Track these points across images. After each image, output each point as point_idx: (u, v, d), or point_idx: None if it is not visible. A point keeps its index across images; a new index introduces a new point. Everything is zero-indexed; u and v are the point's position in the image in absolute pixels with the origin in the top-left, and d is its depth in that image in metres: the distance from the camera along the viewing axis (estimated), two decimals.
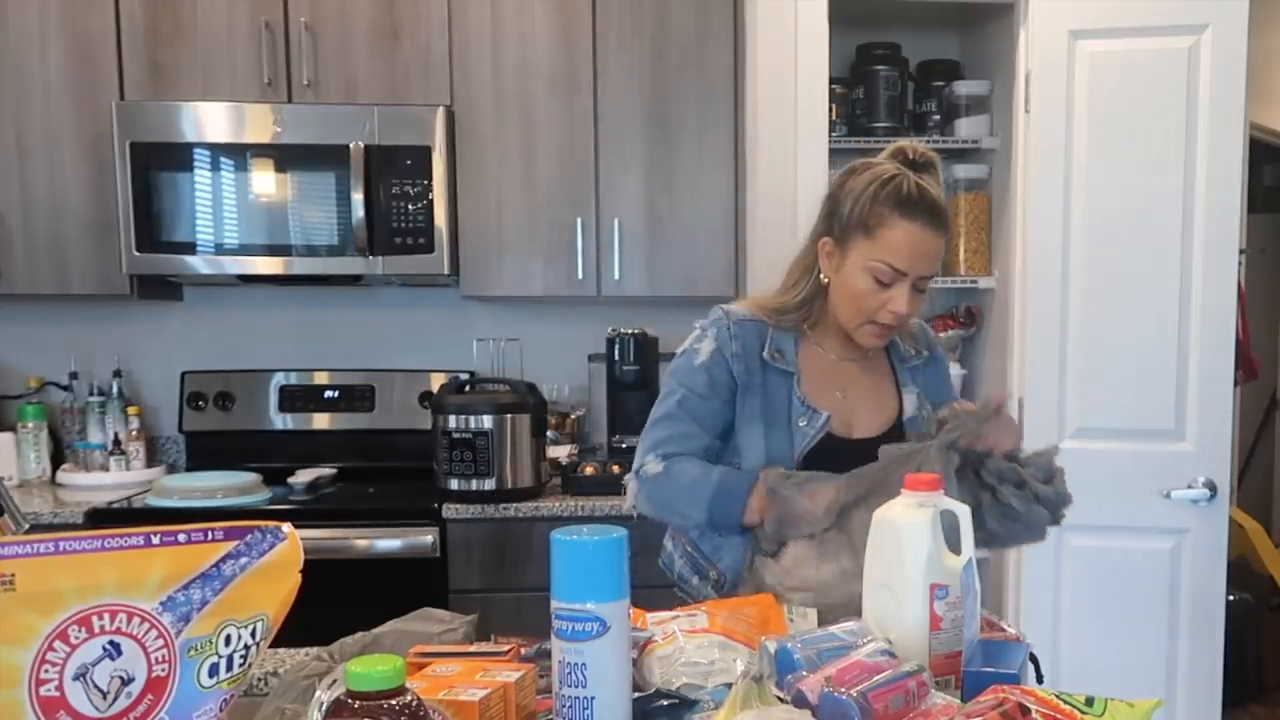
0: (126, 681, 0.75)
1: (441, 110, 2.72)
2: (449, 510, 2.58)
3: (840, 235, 1.58)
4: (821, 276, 1.62)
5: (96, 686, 0.75)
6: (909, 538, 1.12)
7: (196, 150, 2.69)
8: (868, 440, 1.59)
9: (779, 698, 0.95)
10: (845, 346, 1.66)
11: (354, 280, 2.86)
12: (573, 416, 3.08)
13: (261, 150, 2.70)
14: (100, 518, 2.54)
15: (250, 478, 2.74)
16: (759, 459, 1.58)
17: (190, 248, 2.71)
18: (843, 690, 0.93)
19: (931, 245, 1.54)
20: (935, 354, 1.75)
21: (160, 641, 0.76)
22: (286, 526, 0.80)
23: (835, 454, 1.57)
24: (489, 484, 2.61)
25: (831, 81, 2.76)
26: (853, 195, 1.56)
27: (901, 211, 1.52)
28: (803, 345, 1.65)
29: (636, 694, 1.00)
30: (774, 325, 1.63)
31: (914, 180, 1.53)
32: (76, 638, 0.74)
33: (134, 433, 2.95)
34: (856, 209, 1.55)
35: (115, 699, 0.75)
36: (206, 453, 3.03)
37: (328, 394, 3.06)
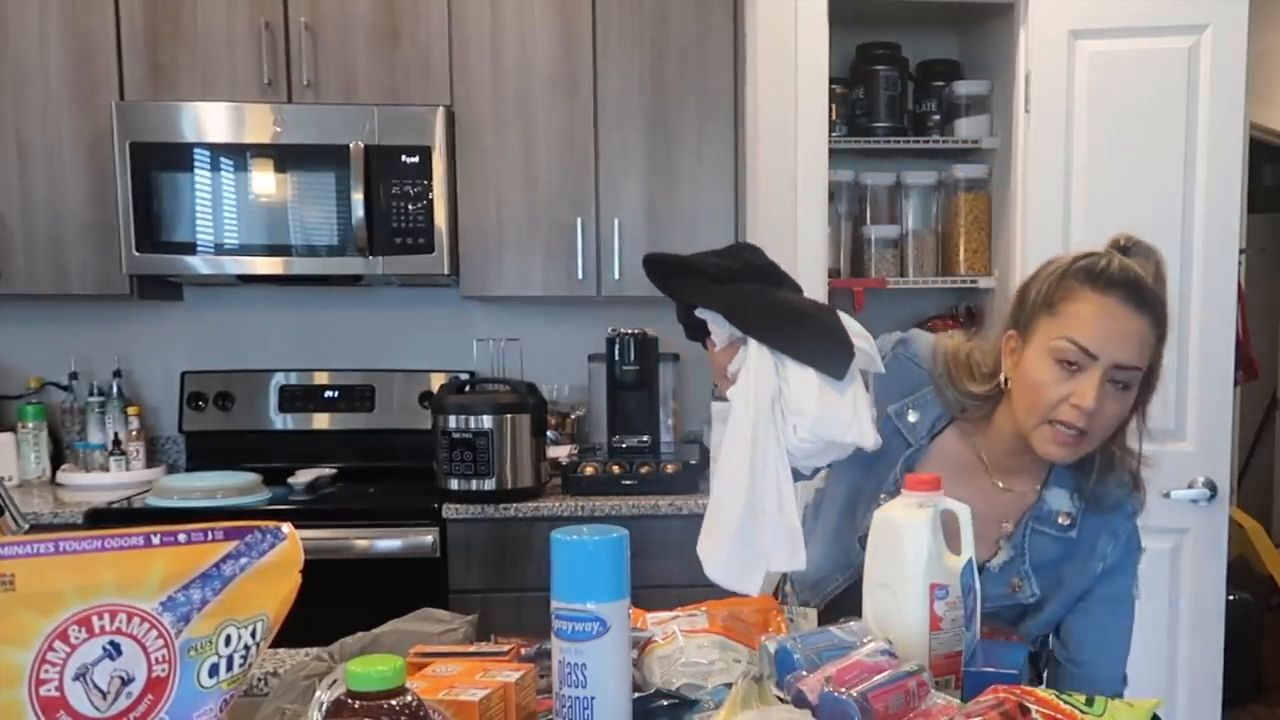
0: (126, 681, 0.75)
1: (441, 110, 2.72)
2: (449, 510, 2.58)
3: (1025, 323, 1.32)
4: (1003, 377, 1.35)
5: (96, 686, 0.74)
6: (909, 538, 1.12)
7: (196, 150, 2.69)
8: None
9: (779, 698, 0.95)
10: (1004, 458, 1.39)
11: (354, 280, 2.86)
12: (573, 416, 3.08)
13: (261, 150, 2.70)
14: (100, 518, 2.54)
15: (250, 478, 2.74)
16: (842, 493, 1.41)
17: (190, 248, 2.71)
18: (843, 690, 0.93)
19: (1131, 325, 1.25)
20: (1091, 545, 1.37)
21: (160, 641, 0.76)
22: (286, 526, 0.80)
23: None
24: (489, 484, 2.61)
25: (831, 81, 2.76)
26: (1041, 277, 1.33)
27: (1093, 285, 1.27)
28: (950, 430, 1.41)
29: (636, 694, 1.00)
30: (937, 385, 1.40)
31: (1118, 258, 1.29)
32: (76, 638, 0.74)
33: (134, 433, 2.95)
34: (1044, 289, 1.31)
35: (115, 699, 0.75)
36: (206, 453, 3.03)
37: (328, 394, 3.06)
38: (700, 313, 1.17)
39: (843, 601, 1.35)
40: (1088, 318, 1.26)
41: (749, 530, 1.10)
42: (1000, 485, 1.40)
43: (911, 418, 1.40)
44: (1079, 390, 1.25)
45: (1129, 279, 1.27)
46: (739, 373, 1.14)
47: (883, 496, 1.36)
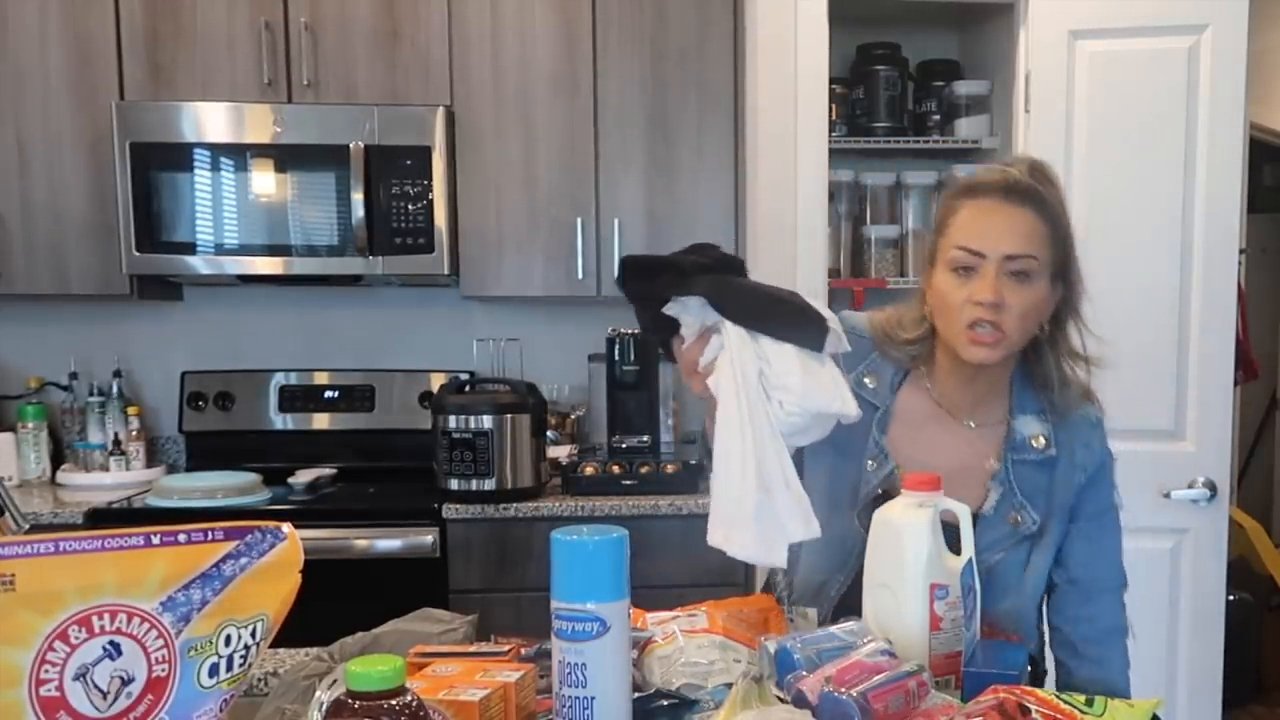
0: (126, 681, 0.75)
1: (441, 110, 2.72)
2: (449, 510, 2.58)
3: (930, 255, 1.41)
4: (926, 308, 1.42)
5: (96, 686, 0.75)
6: (909, 538, 1.13)
7: (196, 150, 2.69)
8: None
9: (779, 698, 0.95)
10: (960, 396, 1.44)
11: (354, 280, 2.86)
12: (573, 416, 3.08)
13: (261, 150, 2.70)
14: (100, 518, 2.54)
15: (250, 478, 2.74)
16: (823, 485, 1.41)
17: (190, 248, 2.71)
18: (843, 690, 0.93)
19: (1010, 218, 1.33)
20: (1067, 456, 1.44)
21: (160, 641, 0.76)
22: (286, 526, 0.80)
23: None
24: (489, 484, 2.61)
25: (831, 81, 2.76)
26: (934, 214, 1.43)
27: (968, 194, 1.37)
28: (907, 384, 1.46)
29: (636, 694, 1.00)
30: (881, 350, 1.46)
31: (991, 167, 1.40)
32: (76, 638, 0.74)
33: (134, 433, 2.95)
34: (935, 219, 1.42)
35: (115, 699, 0.75)
36: (206, 453, 3.03)
37: (328, 394, 3.06)
38: (671, 308, 1.19)
39: (846, 604, 1.35)
40: (968, 222, 1.35)
41: (765, 506, 1.12)
42: (971, 425, 1.45)
43: (870, 383, 1.45)
44: (978, 287, 1.32)
45: (999, 180, 1.35)
46: (716, 361, 1.17)
47: (869, 463, 1.41)
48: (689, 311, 1.18)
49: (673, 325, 1.20)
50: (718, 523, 1.15)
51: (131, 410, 2.98)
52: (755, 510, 1.12)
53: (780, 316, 1.17)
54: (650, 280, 1.19)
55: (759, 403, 1.14)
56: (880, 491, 1.39)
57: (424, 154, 2.71)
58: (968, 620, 1.13)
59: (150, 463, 3.00)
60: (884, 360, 1.46)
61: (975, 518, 1.35)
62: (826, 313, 1.18)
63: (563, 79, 2.81)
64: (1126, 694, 1.37)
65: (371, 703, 0.75)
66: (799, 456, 1.33)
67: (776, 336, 1.16)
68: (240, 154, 2.70)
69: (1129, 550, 2.62)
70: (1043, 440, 1.43)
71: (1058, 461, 1.43)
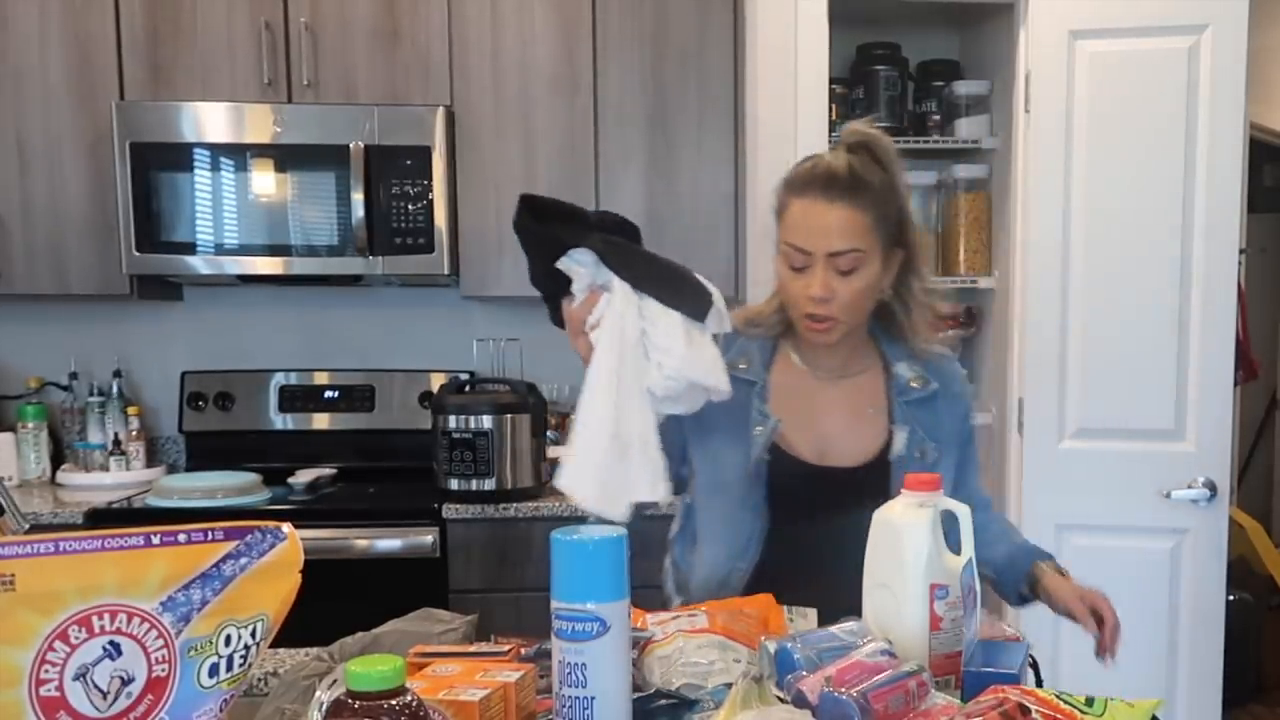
0: (126, 681, 0.75)
1: (441, 110, 2.72)
2: (449, 510, 2.58)
3: (776, 240, 1.50)
4: (777, 286, 1.52)
5: (96, 686, 0.75)
6: (909, 538, 1.13)
7: (196, 150, 2.69)
8: (846, 470, 1.49)
9: (779, 698, 0.95)
10: (828, 358, 1.54)
11: (354, 280, 2.86)
12: (573, 417, 3.08)
13: (261, 150, 2.70)
14: (100, 518, 2.54)
15: (250, 478, 2.74)
16: (714, 473, 1.50)
17: (190, 248, 2.71)
18: (843, 690, 0.93)
19: (831, 217, 1.40)
20: (946, 388, 1.54)
21: (160, 641, 0.76)
22: (286, 526, 0.80)
23: (806, 482, 1.48)
24: (489, 484, 2.61)
25: (831, 81, 2.76)
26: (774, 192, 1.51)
27: (793, 190, 1.44)
28: (777, 356, 1.54)
29: (636, 694, 1.00)
30: (745, 334, 1.53)
31: (818, 158, 1.46)
32: (76, 638, 0.74)
33: (134, 433, 2.95)
34: (773, 202, 1.49)
35: (115, 699, 0.75)
36: (206, 453, 3.03)
37: (328, 394, 3.06)
38: (564, 263, 1.23)
39: (756, 589, 1.40)
40: (796, 221, 1.43)
41: (615, 461, 1.17)
42: (842, 379, 1.54)
43: (743, 365, 1.51)
44: (809, 283, 1.42)
45: (821, 177, 1.42)
46: (601, 319, 1.21)
47: (755, 430, 1.47)
48: (582, 266, 1.22)
49: (562, 283, 1.25)
50: (568, 469, 1.20)
51: (131, 410, 2.98)
52: (605, 462, 1.17)
53: (671, 283, 1.22)
54: (547, 223, 1.23)
55: (635, 361, 1.19)
56: (769, 456, 1.47)
57: (424, 154, 2.71)
58: (968, 620, 1.13)
59: (150, 463, 3.00)
60: (751, 342, 1.54)
61: (888, 462, 1.48)
62: (713, 290, 1.23)
63: (563, 79, 2.81)
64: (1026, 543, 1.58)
65: (371, 703, 0.75)
66: (682, 442, 1.48)
67: (665, 302, 1.21)
68: (240, 154, 2.70)
69: (1129, 550, 2.63)
70: (920, 381, 1.53)
71: (939, 395, 1.54)
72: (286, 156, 2.70)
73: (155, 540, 0.76)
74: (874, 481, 1.44)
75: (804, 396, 1.52)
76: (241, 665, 0.79)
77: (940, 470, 1.46)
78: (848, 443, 1.51)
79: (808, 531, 1.45)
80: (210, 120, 2.69)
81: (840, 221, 1.40)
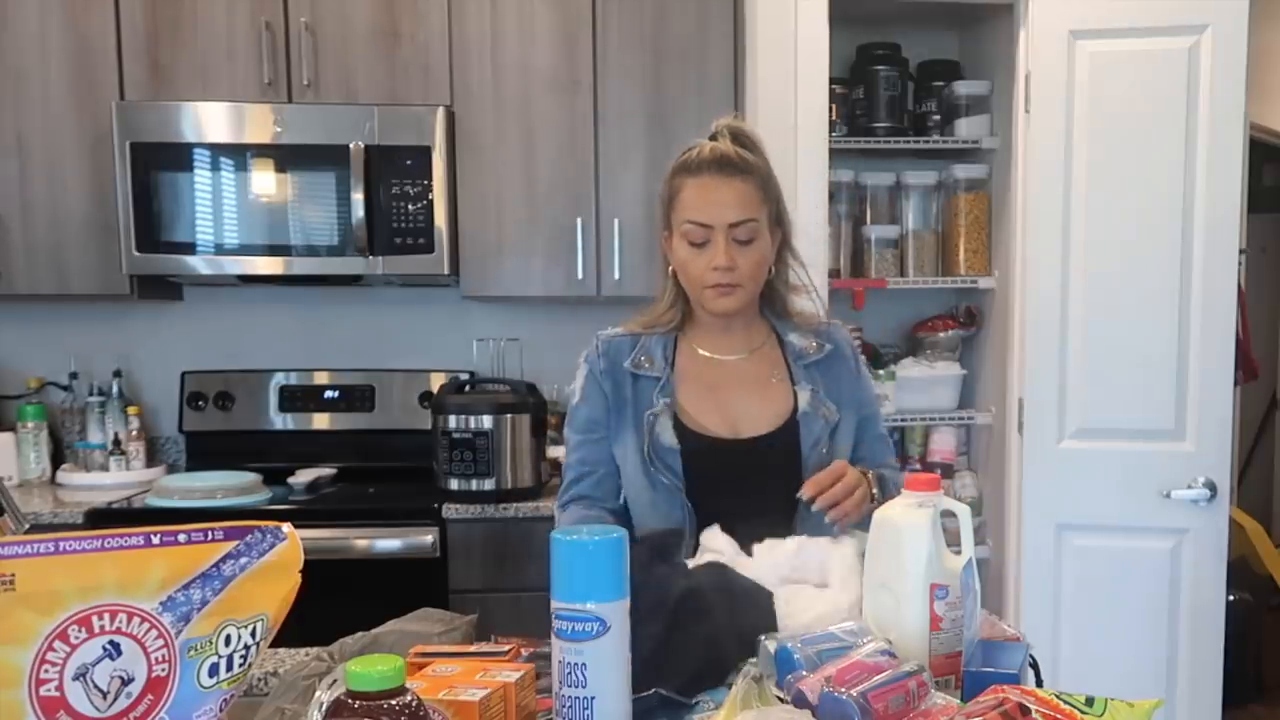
0: (126, 681, 0.75)
1: (441, 110, 2.72)
2: (449, 510, 2.58)
3: (664, 223, 1.62)
4: (670, 271, 1.63)
5: (96, 686, 0.74)
6: (909, 538, 1.13)
7: (196, 150, 2.69)
8: (758, 438, 1.58)
9: (779, 698, 0.95)
10: (726, 341, 1.64)
11: (354, 280, 2.86)
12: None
13: (261, 150, 2.70)
14: (100, 518, 2.54)
15: (250, 478, 2.74)
16: (635, 468, 1.57)
17: (190, 248, 2.71)
18: (843, 690, 0.93)
19: (726, 191, 1.54)
20: (839, 350, 1.67)
21: (160, 641, 0.76)
22: (286, 526, 0.80)
23: (722, 457, 1.57)
24: (489, 484, 2.61)
25: (831, 81, 2.76)
26: (663, 181, 1.62)
27: (687, 172, 1.57)
28: (679, 349, 1.64)
29: (636, 694, 1.00)
30: (646, 335, 1.64)
31: (702, 145, 1.58)
32: (76, 638, 0.74)
33: (134, 433, 2.95)
34: (663, 191, 1.61)
35: (115, 699, 0.75)
36: (206, 453, 3.02)
37: (328, 394, 3.06)
38: None
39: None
40: (693, 199, 1.55)
41: None
42: (742, 357, 1.64)
43: (645, 363, 1.62)
44: (713, 255, 1.53)
45: (712, 158, 1.55)
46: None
47: (648, 415, 1.57)
48: None
49: None
50: None
51: (131, 410, 2.98)
52: None
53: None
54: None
55: None
56: (680, 445, 1.55)
57: (424, 154, 2.71)
58: (968, 620, 1.13)
59: (150, 463, 3.00)
60: (651, 339, 1.64)
61: (796, 422, 1.58)
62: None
63: (563, 79, 2.81)
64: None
65: (371, 703, 0.75)
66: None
67: None
68: (240, 154, 2.70)
69: (1129, 550, 2.63)
70: (814, 346, 1.65)
71: (833, 357, 1.65)
72: (286, 156, 2.70)
73: (155, 540, 0.76)
74: (786, 442, 1.57)
75: (709, 379, 1.63)
76: (241, 665, 0.79)
77: (841, 431, 1.61)
78: (756, 410, 1.61)
79: (734, 504, 1.51)
80: (210, 120, 2.69)
81: (736, 195, 1.54)
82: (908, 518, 1.14)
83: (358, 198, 2.66)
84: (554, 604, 0.94)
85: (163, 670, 0.76)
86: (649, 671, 1.03)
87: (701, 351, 1.65)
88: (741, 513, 1.46)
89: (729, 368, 1.64)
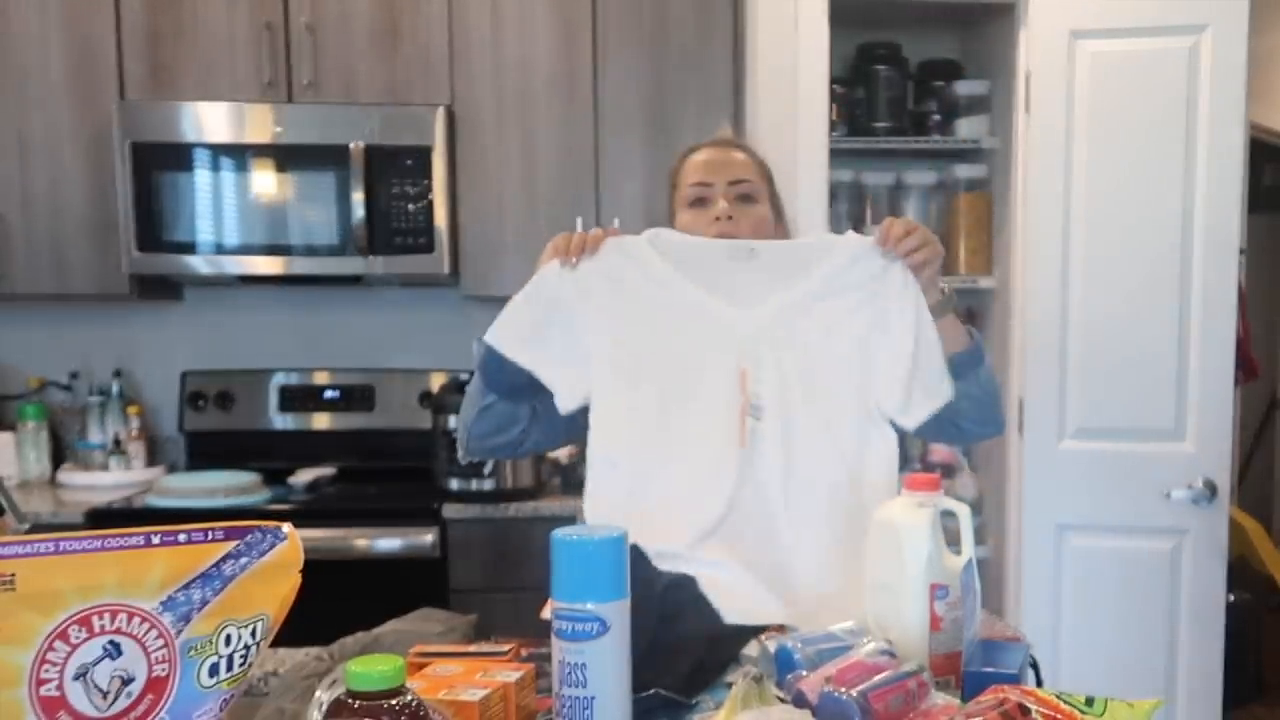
0: (127, 681, 0.75)
1: (441, 110, 2.72)
2: (449, 510, 2.58)
3: (670, 210, 1.68)
4: None
5: (97, 686, 0.75)
6: (909, 538, 1.12)
7: (197, 150, 2.69)
8: None
9: (779, 698, 0.95)
10: None
11: (354, 280, 2.86)
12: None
13: (262, 150, 2.70)
14: (100, 518, 2.54)
15: (250, 478, 2.75)
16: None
17: (190, 248, 2.71)
18: (843, 690, 0.93)
19: (725, 155, 1.63)
20: None
21: (160, 641, 0.76)
22: (287, 526, 0.80)
23: None
24: (489, 484, 2.61)
25: (832, 81, 2.76)
26: (668, 176, 1.71)
27: (691, 152, 1.67)
28: None
29: (636, 694, 1.00)
30: None
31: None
32: (77, 638, 0.74)
33: (134, 433, 2.95)
34: (671, 182, 1.69)
35: (115, 699, 0.75)
36: (207, 453, 3.03)
37: (328, 394, 3.06)
38: None
39: None
40: (695, 167, 1.63)
41: None
42: None
43: None
44: (715, 210, 1.58)
45: (714, 139, 1.70)
46: None
47: None
48: None
49: None
50: None
51: (132, 410, 2.98)
52: None
53: None
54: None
55: None
56: None
57: (424, 154, 2.71)
58: (968, 620, 1.13)
59: (150, 462, 3.00)
60: None
61: None
62: None
63: (563, 79, 2.81)
64: None
65: (371, 703, 0.75)
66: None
67: None
68: (240, 154, 2.70)
69: (1129, 550, 2.63)
70: None
71: None
72: (287, 156, 2.70)
73: (155, 540, 0.76)
74: None
75: None
76: (241, 665, 0.79)
77: None
78: None
79: None
80: (211, 120, 2.69)
81: (734, 157, 1.64)
82: (908, 518, 1.14)
83: (358, 198, 2.66)
84: (554, 604, 0.94)
85: (163, 670, 0.76)
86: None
87: None
88: None
89: None
